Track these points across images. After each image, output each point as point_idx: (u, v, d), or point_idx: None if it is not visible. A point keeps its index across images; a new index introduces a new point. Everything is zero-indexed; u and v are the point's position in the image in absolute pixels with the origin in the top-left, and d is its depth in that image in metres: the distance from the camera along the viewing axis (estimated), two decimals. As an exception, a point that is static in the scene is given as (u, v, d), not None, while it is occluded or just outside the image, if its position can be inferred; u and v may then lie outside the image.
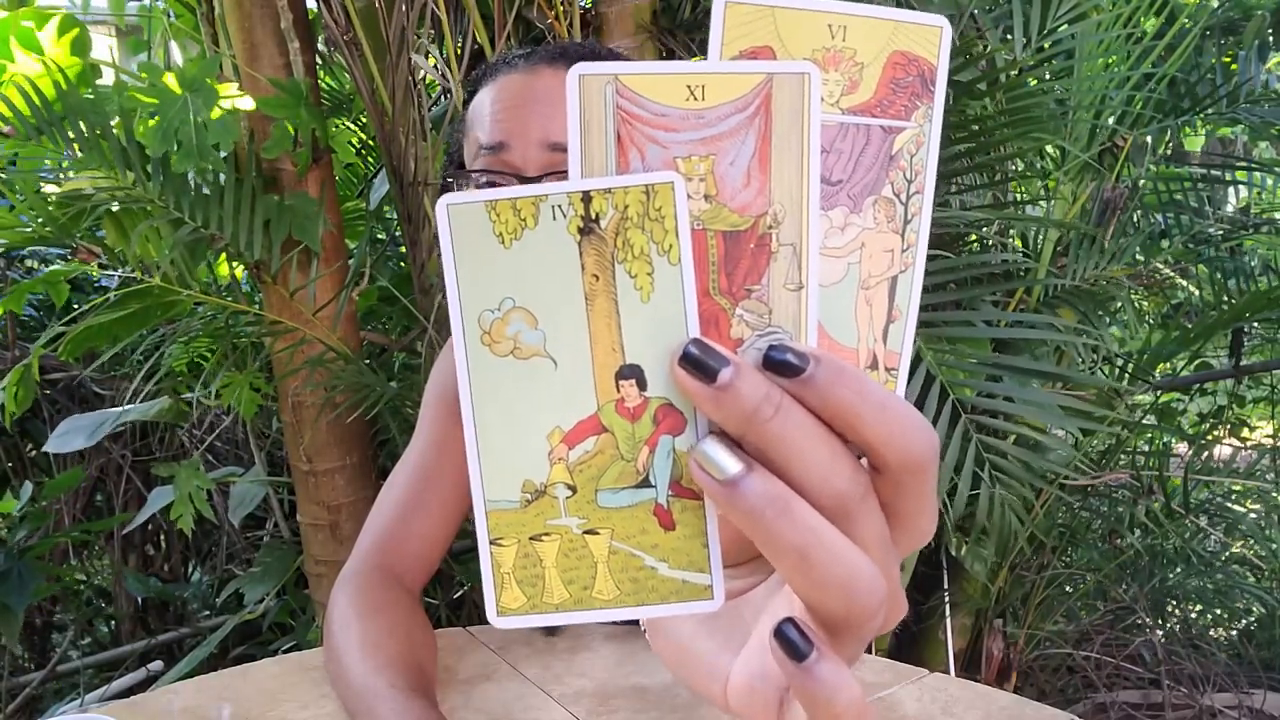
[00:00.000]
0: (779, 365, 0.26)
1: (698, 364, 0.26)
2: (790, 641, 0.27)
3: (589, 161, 0.27)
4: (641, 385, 0.27)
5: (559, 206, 0.27)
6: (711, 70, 0.27)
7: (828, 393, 0.26)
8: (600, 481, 0.28)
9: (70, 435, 1.74)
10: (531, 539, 0.28)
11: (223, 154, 1.44)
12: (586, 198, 0.27)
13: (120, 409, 1.79)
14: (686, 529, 0.28)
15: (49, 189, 1.41)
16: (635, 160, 0.27)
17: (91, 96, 1.42)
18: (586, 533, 0.28)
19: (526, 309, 0.27)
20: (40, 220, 1.43)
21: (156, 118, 1.37)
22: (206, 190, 1.49)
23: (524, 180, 0.83)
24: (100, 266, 1.54)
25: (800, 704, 0.28)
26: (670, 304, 0.27)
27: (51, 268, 1.73)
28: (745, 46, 0.27)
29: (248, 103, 1.45)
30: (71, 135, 1.39)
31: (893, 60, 0.28)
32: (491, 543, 0.28)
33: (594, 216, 0.27)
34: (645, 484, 0.28)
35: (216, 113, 1.38)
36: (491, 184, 0.85)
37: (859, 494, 0.27)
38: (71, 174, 1.40)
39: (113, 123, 1.41)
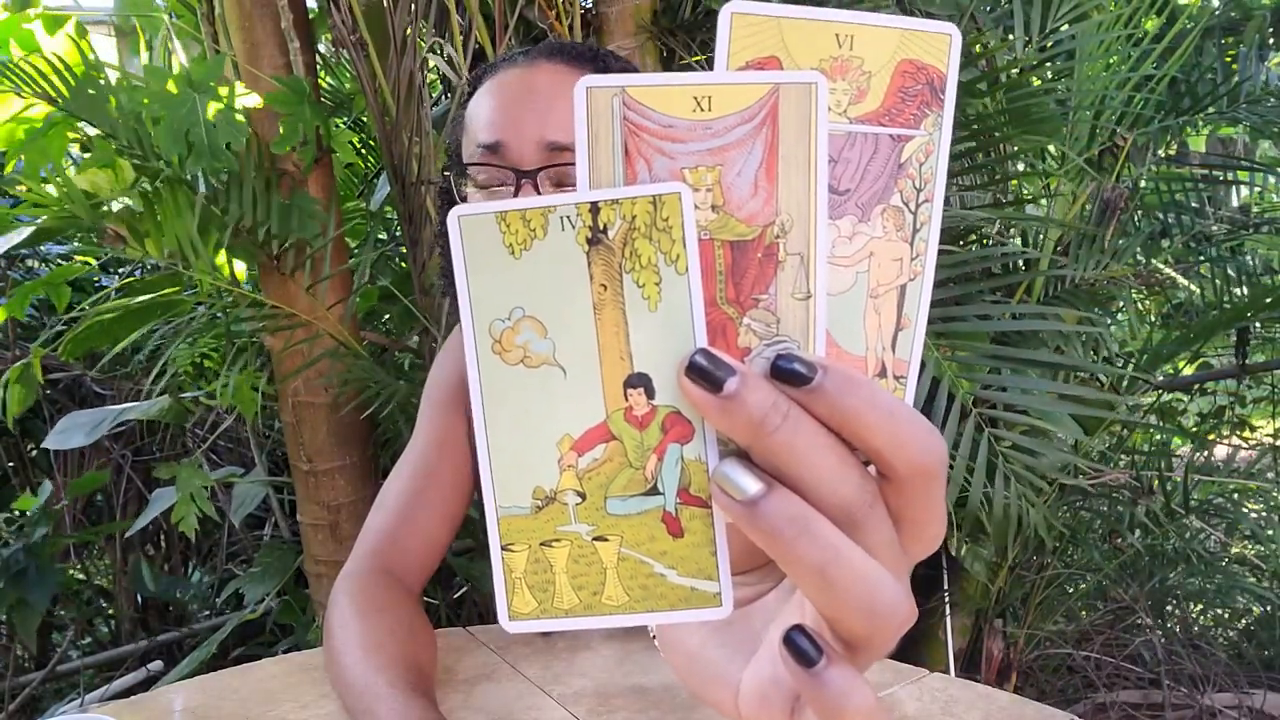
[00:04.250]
0: (787, 375, 0.26)
1: (704, 374, 0.26)
2: (799, 649, 0.27)
3: (597, 173, 0.27)
4: (649, 394, 0.28)
5: (567, 217, 0.27)
6: (718, 81, 0.27)
7: (836, 401, 0.26)
8: (609, 489, 0.28)
9: (69, 432, 1.74)
10: (542, 545, 0.29)
11: (234, 151, 1.43)
12: (595, 209, 0.27)
13: (120, 407, 1.78)
14: (695, 536, 0.28)
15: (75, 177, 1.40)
16: (643, 171, 0.27)
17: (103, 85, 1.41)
18: (596, 539, 0.28)
19: (536, 318, 0.27)
20: (67, 202, 1.41)
21: (163, 118, 1.36)
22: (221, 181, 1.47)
23: (521, 177, 0.83)
24: (118, 255, 1.52)
25: (812, 710, 0.28)
26: (678, 313, 0.27)
27: (54, 269, 1.72)
28: (752, 57, 0.28)
29: (254, 100, 1.44)
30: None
31: (901, 69, 0.28)
32: (504, 548, 0.29)
33: (602, 227, 0.27)
34: (653, 491, 0.28)
35: (220, 110, 1.37)
36: (488, 183, 0.86)
37: (867, 502, 0.27)
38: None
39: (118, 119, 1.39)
